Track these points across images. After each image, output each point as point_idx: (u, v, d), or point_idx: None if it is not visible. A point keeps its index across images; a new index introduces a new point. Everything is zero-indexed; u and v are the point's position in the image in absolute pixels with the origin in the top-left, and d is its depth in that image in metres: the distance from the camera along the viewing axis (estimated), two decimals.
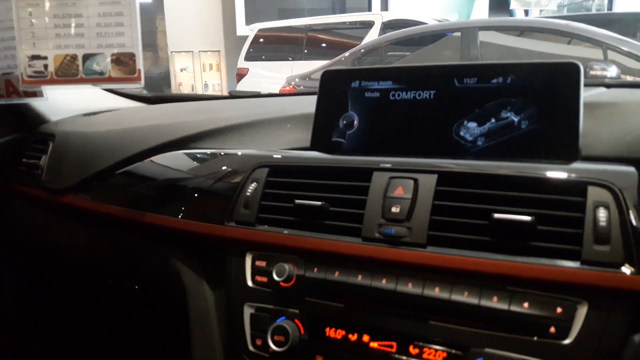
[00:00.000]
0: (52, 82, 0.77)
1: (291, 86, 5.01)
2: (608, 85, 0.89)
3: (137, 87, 0.79)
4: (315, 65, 5.23)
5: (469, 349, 0.59)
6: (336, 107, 0.82)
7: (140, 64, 0.77)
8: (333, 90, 0.83)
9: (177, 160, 0.93)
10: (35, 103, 1.18)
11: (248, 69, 6.64)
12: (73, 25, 0.76)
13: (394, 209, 0.65)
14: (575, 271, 0.55)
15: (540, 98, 0.69)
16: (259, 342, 0.72)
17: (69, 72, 0.77)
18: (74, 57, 0.77)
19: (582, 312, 0.55)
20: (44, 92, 0.87)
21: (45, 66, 0.77)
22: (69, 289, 1.24)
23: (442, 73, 0.75)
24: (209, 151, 0.91)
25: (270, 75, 6.32)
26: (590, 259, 0.55)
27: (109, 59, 0.77)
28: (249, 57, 6.74)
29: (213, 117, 1.03)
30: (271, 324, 0.70)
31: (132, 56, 0.77)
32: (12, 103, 0.91)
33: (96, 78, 0.78)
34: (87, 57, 0.77)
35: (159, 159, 0.94)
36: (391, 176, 0.68)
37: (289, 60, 6.51)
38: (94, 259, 1.06)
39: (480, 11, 9.71)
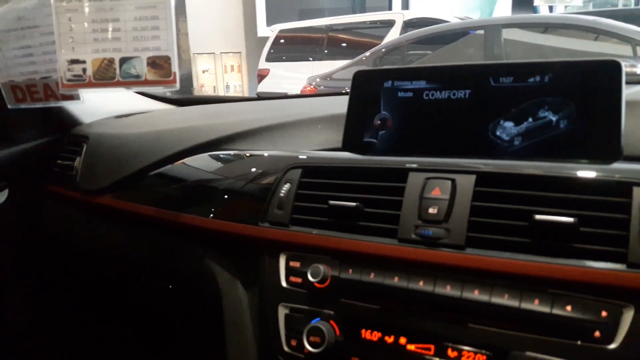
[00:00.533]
0: (90, 85, 0.79)
1: (312, 86, 5.02)
2: None
3: (172, 90, 0.80)
4: (336, 66, 5.23)
5: (509, 353, 0.58)
6: (368, 107, 0.81)
7: (175, 67, 0.78)
8: (365, 90, 0.82)
9: (209, 162, 0.93)
10: (69, 106, 1.20)
11: (269, 69, 6.69)
12: (110, 29, 0.78)
13: (431, 210, 0.65)
14: (621, 274, 0.54)
15: (580, 97, 0.67)
16: (294, 342, 0.72)
17: (107, 75, 0.79)
18: (111, 61, 0.79)
19: (628, 316, 0.53)
20: (81, 95, 0.89)
21: (84, 70, 0.79)
22: (103, 289, 1.27)
23: (477, 72, 0.74)
24: (241, 152, 0.92)
25: (291, 76, 6.34)
26: (637, 262, 0.53)
27: (145, 62, 0.78)
28: (269, 58, 6.78)
29: (244, 118, 1.04)
30: (306, 325, 0.70)
31: (167, 59, 0.78)
32: (48, 106, 0.93)
33: (133, 81, 0.79)
34: (124, 61, 0.79)
35: (192, 160, 0.95)
36: (427, 177, 0.68)
37: (310, 60, 6.52)
38: (128, 258, 1.08)
39: (503, 8, 9.58)
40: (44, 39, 0.85)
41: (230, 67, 10.14)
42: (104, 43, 0.78)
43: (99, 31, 0.78)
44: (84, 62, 0.79)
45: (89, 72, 0.79)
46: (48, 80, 0.89)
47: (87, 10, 0.77)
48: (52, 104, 0.91)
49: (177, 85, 0.78)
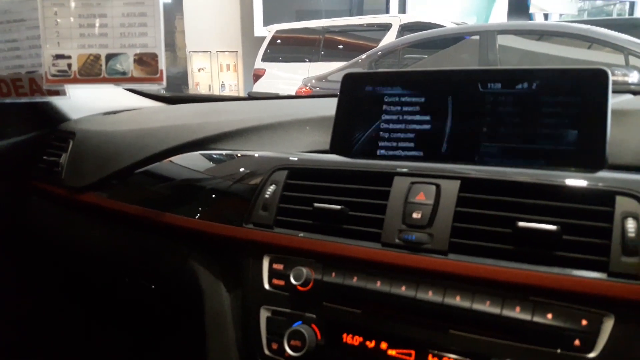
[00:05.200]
0: (75, 81, 0.78)
1: (307, 87, 5.01)
2: (635, 92, 0.87)
3: (158, 88, 0.79)
4: (332, 67, 5.23)
5: None
6: (357, 110, 0.81)
7: (162, 65, 0.77)
8: (353, 93, 0.82)
9: (196, 161, 0.93)
10: (56, 101, 1.19)
11: (265, 69, 6.67)
12: (97, 25, 0.77)
13: (415, 215, 0.64)
14: (602, 283, 0.53)
15: (566, 104, 0.67)
16: (274, 346, 0.71)
17: (92, 71, 0.78)
18: (97, 57, 0.78)
19: (608, 325, 0.53)
20: (67, 90, 0.88)
21: (69, 65, 0.78)
22: (86, 287, 1.25)
23: (465, 78, 0.74)
24: (228, 152, 0.91)
25: (286, 76, 6.34)
26: (618, 271, 0.53)
27: (131, 59, 0.78)
28: (266, 58, 6.77)
29: (232, 118, 1.03)
30: (287, 328, 0.69)
31: (154, 57, 0.77)
32: (34, 101, 0.92)
33: (118, 78, 0.78)
34: (110, 57, 0.78)
35: (178, 159, 0.94)
36: (413, 181, 0.67)
37: (306, 61, 6.52)
38: (111, 257, 1.07)
39: (499, 15, 9.63)
40: (31, 32, 0.84)
41: (226, 66, 10.12)
42: (90, 39, 0.77)
43: (86, 26, 0.77)
44: (69, 57, 0.78)
45: (74, 67, 0.78)
46: (34, 74, 0.88)
47: (73, 5, 0.76)
48: (38, 99, 0.90)
49: (164, 83, 0.78)
